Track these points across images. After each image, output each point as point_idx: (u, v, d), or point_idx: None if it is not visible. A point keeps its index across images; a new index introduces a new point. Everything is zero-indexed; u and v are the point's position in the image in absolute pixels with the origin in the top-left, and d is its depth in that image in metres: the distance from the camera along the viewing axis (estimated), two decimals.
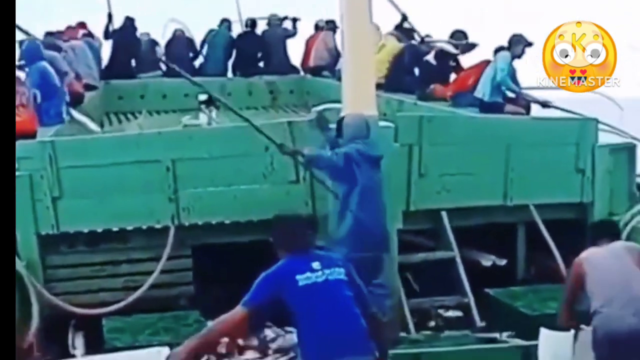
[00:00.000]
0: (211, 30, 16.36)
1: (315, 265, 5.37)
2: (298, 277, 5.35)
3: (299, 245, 5.44)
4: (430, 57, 12.33)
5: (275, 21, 16.26)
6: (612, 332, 5.55)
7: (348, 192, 7.15)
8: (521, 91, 10.54)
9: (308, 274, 5.36)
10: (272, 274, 5.39)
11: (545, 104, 10.48)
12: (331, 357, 5.18)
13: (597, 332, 5.64)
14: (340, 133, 7.46)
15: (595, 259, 5.89)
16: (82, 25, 15.10)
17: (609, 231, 6.25)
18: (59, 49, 11.60)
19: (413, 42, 13.30)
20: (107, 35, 15.71)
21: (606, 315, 5.60)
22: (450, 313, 8.07)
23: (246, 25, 16.60)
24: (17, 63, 9.75)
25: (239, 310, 5.29)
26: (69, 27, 14.52)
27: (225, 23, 16.42)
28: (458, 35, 12.52)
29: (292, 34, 16.32)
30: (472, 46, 12.39)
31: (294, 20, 16.39)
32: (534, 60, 10.74)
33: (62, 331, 7.36)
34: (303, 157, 7.44)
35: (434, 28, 12.65)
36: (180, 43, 16.21)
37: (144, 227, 7.82)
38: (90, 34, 14.99)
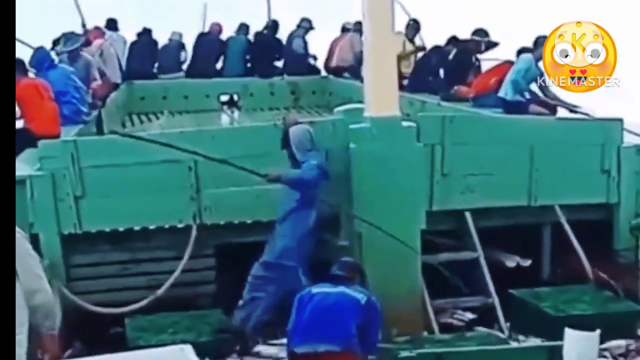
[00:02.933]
0: (230, 38, 16.42)
1: (340, 287, 6.15)
2: (314, 289, 6.25)
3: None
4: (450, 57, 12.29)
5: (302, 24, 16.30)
6: None
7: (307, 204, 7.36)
8: (529, 96, 10.46)
9: (326, 288, 6.21)
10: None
11: (573, 109, 10.37)
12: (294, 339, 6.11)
13: None
14: (285, 144, 7.57)
15: None
16: (99, 28, 15.15)
17: None
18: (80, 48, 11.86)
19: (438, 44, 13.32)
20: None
21: None
22: (475, 314, 8.02)
23: (266, 27, 16.60)
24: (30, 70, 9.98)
25: None
26: (96, 27, 14.58)
27: (243, 28, 16.47)
28: (480, 33, 12.48)
29: (308, 28, 16.31)
30: (494, 44, 12.35)
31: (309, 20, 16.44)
32: None
33: (84, 330, 7.34)
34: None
35: (433, 26, 12.66)
36: (206, 42, 16.22)
37: (167, 226, 7.82)
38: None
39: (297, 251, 7.33)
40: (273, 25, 16.47)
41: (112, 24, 15.37)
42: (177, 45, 16.16)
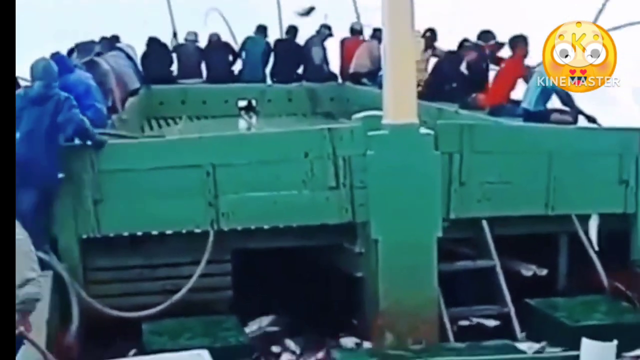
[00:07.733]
0: (248, 38, 16.45)
1: None
2: None
3: None
4: (462, 67, 12.31)
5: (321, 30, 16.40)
6: None
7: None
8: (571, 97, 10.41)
9: None
10: None
11: (591, 119, 10.32)
12: None
13: None
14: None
15: None
16: (116, 37, 15.21)
17: None
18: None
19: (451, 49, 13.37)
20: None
21: None
22: (490, 322, 8.01)
23: (287, 33, 16.68)
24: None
25: None
26: (103, 38, 14.63)
27: (262, 30, 16.52)
28: (485, 36, 12.49)
29: (327, 35, 16.43)
30: (501, 45, 12.37)
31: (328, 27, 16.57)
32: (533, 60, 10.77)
33: (101, 333, 7.37)
34: None
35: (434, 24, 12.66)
36: (217, 48, 16.31)
37: (184, 231, 7.84)
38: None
39: None
40: (293, 32, 16.53)
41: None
42: (195, 49, 16.24)
